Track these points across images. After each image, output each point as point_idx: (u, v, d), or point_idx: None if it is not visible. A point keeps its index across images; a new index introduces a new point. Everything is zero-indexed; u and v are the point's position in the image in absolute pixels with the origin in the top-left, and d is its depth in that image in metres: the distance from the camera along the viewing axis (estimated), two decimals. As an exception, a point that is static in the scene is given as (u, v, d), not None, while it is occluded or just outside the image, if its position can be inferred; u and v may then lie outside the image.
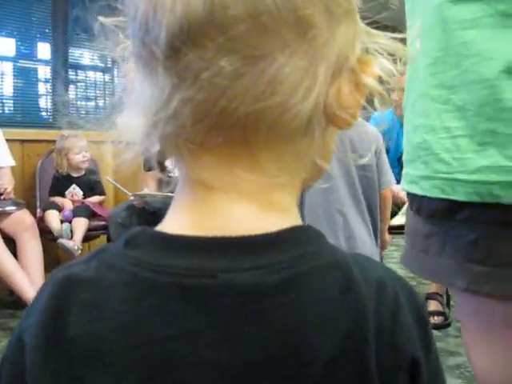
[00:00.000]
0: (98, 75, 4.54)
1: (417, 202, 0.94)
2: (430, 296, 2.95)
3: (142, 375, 0.38)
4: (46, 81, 4.04)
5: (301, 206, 1.66)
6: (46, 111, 4.03)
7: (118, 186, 3.08)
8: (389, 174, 1.79)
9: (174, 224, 0.43)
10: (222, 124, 0.39)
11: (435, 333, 2.69)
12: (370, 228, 1.71)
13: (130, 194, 3.04)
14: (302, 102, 0.39)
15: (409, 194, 0.97)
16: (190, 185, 0.43)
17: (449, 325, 2.80)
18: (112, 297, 0.40)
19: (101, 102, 4.44)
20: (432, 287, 2.98)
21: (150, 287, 0.39)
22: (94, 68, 4.39)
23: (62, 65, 3.94)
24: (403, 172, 0.99)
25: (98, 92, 4.42)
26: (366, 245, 1.68)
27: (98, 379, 0.39)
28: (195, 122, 0.39)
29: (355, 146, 1.67)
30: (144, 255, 0.41)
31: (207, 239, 0.40)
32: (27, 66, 3.94)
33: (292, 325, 0.39)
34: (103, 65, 4.41)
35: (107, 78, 4.45)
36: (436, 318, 2.82)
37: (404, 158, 0.99)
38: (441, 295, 2.97)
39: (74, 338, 0.39)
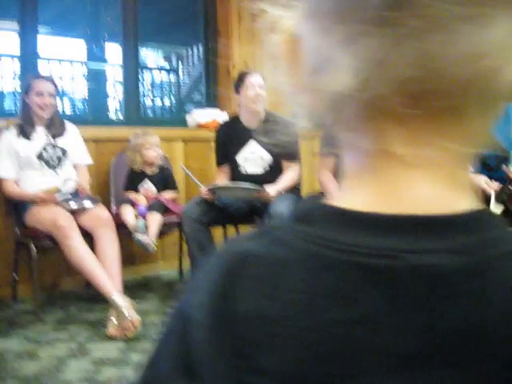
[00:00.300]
0: (164, 75, 4.63)
1: None
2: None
3: (312, 358, 0.36)
4: (117, 81, 4.14)
5: None
6: (117, 110, 4.13)
7: (190, 174, 3.13)
8: None
9: (352, 199, 0.40)
10: (425, 90, 0.35)
11: None
12: None
13: (201, 185, 3.08)
14: None
15: None
16: (373, 158, 0.39)
17: None
18: (286, 274, 0.37)
19: (167, 102, 4.51)
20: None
21: (328, 265, 0.37)
22: (162, 68, 4.48)
23: (133, 66, 4.04)
24: None
25: (165, 91, 4.50)
26: None
27: (266, 359, 0.36)
28: (398, 88, 0.36)
29: None
30: (321, 232, 0.38)
31: (392, 217, 0.37)
32: (98, 68, 4.05)
33: (478, 314, 0.35)
34: (169, 66, 4.50)
35: (173, 78, 4.53)
36: None
37: None
38: None
39: (245, 316, 0.37)
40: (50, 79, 3.14)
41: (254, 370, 0.36)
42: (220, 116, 4.28)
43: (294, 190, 3.27)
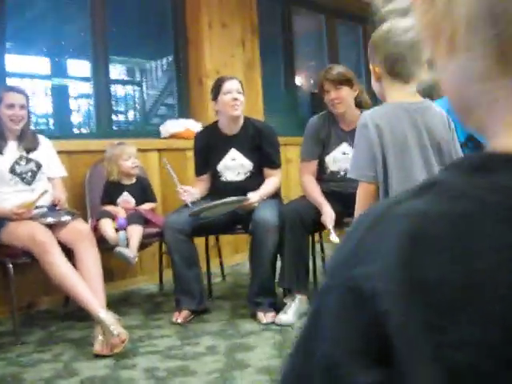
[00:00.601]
0: (133, 87, 4.56)
1: None
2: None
3: None
4: (88, 96, 4.04)
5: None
6: (86, 124, 4.03)
7: (172, 172, 3.05)
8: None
9: None
10: None
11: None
12: None
13: (180, 186, 2.99)
14: None
15: None
16: None
17: None
18: (474, 232, 0.33)
19: (138, 114, 4.43)
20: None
21: None
22: (131, 82, 4.41)
23: (103, 79, 3.95)
24: None
25: (135, 103, 4.41)
26: None
27: (464, 330, 0.32)
28: None
29: (430, 128, 1.61)
30: (508, 181, 0.33)
31: None
32: (63, 83, 3.96)
33: None
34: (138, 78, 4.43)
35: (142, 90, 4.46)
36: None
37: None
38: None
39: (434, 282, 0.33)
40: (21, 91, 3.02)
41: (452, 343, 0.32)
42: (193, 126, 4.22)
43: (276, 196, 3.23)
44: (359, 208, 1.67)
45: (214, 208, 2.90)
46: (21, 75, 3.81)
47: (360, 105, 3.09)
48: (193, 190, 3.08)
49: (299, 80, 5.72)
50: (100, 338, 2.51)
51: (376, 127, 1.58)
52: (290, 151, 4.73)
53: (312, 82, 5.85)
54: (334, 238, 2.82)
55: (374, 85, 1.72)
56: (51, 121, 3.92)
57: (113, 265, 3.48)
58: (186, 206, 2.99)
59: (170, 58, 4.50)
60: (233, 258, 4.40)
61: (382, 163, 1.57)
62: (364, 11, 5.98)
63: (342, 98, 3.01)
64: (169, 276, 3.68)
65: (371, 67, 1.70)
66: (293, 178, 4.24)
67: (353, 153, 1.66)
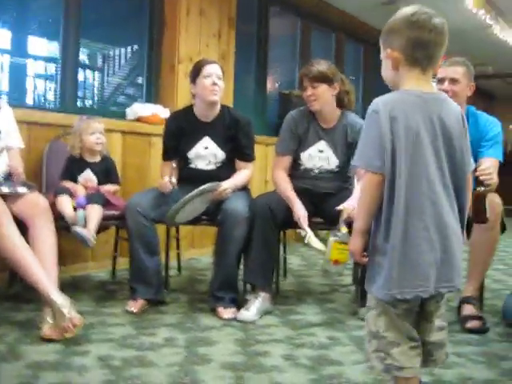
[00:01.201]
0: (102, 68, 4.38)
1: None
2: (465, 300, 2.82)
3: None
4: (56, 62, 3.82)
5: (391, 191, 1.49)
6: (54, 98, 3.81)
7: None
8: (470, 156, 1.64)
9: None
10: None
11: (473, 337, 2.55)
12: (457, 215, 1.56)
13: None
14: None
15: None
16: None
17: (487, 329, 2.66)
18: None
19: (99, 93, 4.23)
20: (467, 291, 2.85)
21: None
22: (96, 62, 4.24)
23: (72, 60, 3.77)
24: None
25: (103, 83, 4.23)
26: (456, 234, 1.53)
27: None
28: None
29: (444, 121, 1.52)
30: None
31: None
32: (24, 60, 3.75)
33: None
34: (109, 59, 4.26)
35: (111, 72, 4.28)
36: (473, 321, 2.68)
37: None
38: (475, 299, 2.85)
39: None
40: None
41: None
42: (161, 111, 4.07)
43: (245, 189, 3.11)
44: (363, 200, 1.55)
45: (187, 205, 2.73)
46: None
47: (342, 104, 3.02)
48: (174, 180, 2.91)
49: (270, 80, 5.63)
50: (50, 320, 2.32)
51: (388, 115, 1.48)
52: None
53: (278, 84, 5.79)
54: (316, 243, 2.72)
55: (387, 73, 1.62)
56: (13, 90, 3.66)
57: (63, 248, 3.26)
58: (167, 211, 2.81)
59: (144, 41, 4.32)
60: (189, 251, 4.26)
61: (390, 154, 1.47)
62: (340, 19, 6.00)
63: (318, 96, 2.93)
64: (122, 264, 3.52)
65: (385, 54, 1.60)
66: (255, 175, 4.12)
67: (360, 140, 1.55)
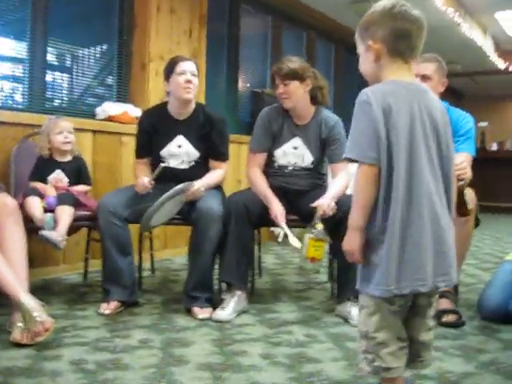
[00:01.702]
0: (71, 67, 4.29)
1: None
2: (441, 294, 2.82)
3: None
4: (23, 62, 3.72)
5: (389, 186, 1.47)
6: (22, 95, 3.71)
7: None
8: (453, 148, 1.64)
9: None
10: None
11: (449, 331, 2.56)
12: (447, 207, 1.55)
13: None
14: None
15: None
16: None
17: (463, 323, 2.68)
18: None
19: (74, 94, 4.15)
20: (442, 285, 2.86)
21: None
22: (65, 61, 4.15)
23: (40, 59, 3.68)
24: None
25: (72, 83, 4.14)
26: (449, 226, 1.52)
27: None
28: None
29: (430, 111, 1.52)
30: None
31: None
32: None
33: None
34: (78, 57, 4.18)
35: (79, 71, 4.20)
36: (449, 316, 2.69)
37: None
38: (451, 293, 2.86)
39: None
40: None
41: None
42: (131, 110, 4.01)
43: (218, 187, 3.07)
44: (359, 194, 1.50)
45: (161, 208, 2.68)
46: None
47: (316, 100, 3.00)
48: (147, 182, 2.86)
49: (241, 78, 5.60)
50: (20, 324, 2.25)
51: (381, 106, 1.45)
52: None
53: (249, 83, 5.76)
54: (294, 242, 2.69)
55: (367, 66, 1.60)
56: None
57: (33, 250, 3.17)
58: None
59: (114, 40, 4.25)
60: (162, 252, 4.20)
61: (386, 146, 1.44)
62: (311, 18, 6.00)
63: (290, 93, 2.91)
64: (93, 266, 3.45)
65: (364, 47, 1.59)
66: (227, 175, 4.09)
67: (351, 132, 1.52)
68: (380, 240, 1.47)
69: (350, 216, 1.53)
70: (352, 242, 1.53)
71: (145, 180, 2.81)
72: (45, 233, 2.70)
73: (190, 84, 2.88)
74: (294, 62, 2.92)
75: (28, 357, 2.11)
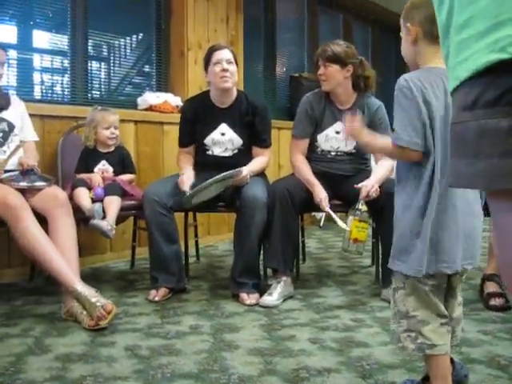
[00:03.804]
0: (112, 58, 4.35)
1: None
2: (488, 277, 2.80)
3: None
4: (64, 55, 3.79)
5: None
6: (65, 88, 3.79)
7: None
8: None
9: None
10: None
11: (497, 314, 2.54)
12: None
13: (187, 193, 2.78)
14: None
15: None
16: None
17: (511, 307, 2.65)
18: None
19: (109, 83, 4.21)
20: (489, 268, 2.83)
21: None
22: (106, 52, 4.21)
23: (81, 51, 3.75)
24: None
25: (114, 74, 4.20)
26: (477, 211, 1.57)
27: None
28: None
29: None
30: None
31: None
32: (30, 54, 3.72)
33: None
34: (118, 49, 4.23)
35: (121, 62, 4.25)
36: (496, 299, 2.66)
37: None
38: (498, 276, 2.82)
39: None
40: (2, 47, 2.79)
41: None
42: (172, 99, 4.05)
43: (262, 175, 3.09)
44: (393, 155, 1.61)
45: (206, 190, 2.72)
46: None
47: (358, 88, 2.98)
48: (191, 174, 2.91)
49: (279, 63, 5.59)
50: (84, 312, 2.33)
51: (421, 93, 1.48)
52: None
53: (287, 67, 5.75)
54: (341, 223, 2.69)
55: (406, 49, 1.63)
56: (21, 85, 3.64)
57: (81, 239, 3.27)
58: (183, 193, 2.80)
59: (152, 29, 4.28)
60: (205, 239, 4.25)
61: (430, 134, 1.48)
62: (347, 0, 5.91)
63: (328, 76, 2.90)
64: (140, 254, 3.53)
65: (405, 30, 1.60)
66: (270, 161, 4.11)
67: (396, 118, 1.53)
68: (417, 223, 1.51)
69: (375, 144, 1.74)
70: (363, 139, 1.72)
71: (186, 180, 2.84)
72: (95, 222, 2.76)
73: (225, 73, 2.89)
74: (338, 47, 2.91)
75: (84, 343, 2.18)
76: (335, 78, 2.91)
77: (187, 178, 2.86)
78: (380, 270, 3.00)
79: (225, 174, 2.71)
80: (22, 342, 2.20)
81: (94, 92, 3.99)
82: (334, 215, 2.73)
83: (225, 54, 2.94)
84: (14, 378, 1.85)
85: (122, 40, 4.24)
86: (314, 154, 3.03)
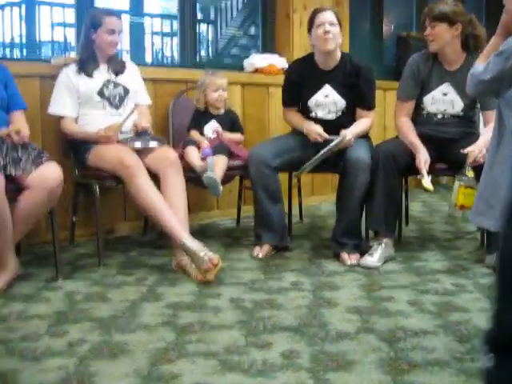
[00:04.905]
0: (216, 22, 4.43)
1: None
2: None
3: None
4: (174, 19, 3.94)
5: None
6: (175, 51, 3.95)
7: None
8: None
9: None
10: None
11: None
12: None
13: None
14: None
15: None
16: None
17: None
18: None
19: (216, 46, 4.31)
20: None
21: None
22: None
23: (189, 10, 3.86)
24: None
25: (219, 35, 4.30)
26: None
27: None
28: None
29: None
30: None
31: None
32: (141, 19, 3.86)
33: None
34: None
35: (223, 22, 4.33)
36: None
37: None
38: None
39: None
40: (119, 16, 2.96)
41: None
42: (277, 61, 4.09)
43: (367, 136, 3.08)
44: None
45: (315, 162, 2.80)
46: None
47: (468, 47, 2.87)
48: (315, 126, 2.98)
49: (386, 22, 5.46)
50: (192, 265, 2.50)
51: None
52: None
53: (394, 26, 5.59)
54: (428, 184, 2.69)
55: None
56: (134, 50, 3.83)
57: (190, 197, 3.44)
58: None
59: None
60: (309, 199, 4.32)
61: None
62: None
63: (435, 35, 2.83)
64: (245, 212, 3.66)
65: None
66: (376, 123, 4.08)
67: None
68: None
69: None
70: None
71: (318, 129, 2.92)
72: (209, 173, 2.86)
73: (328, 35, 2.87)
74: (446, 5, 2.82)
75: (192, 293, 2.34)
76: (443, 37, 2.83)
77: (315, 126, 2.95)
78: (485, 235, 2.93)
79: (331, 145, 2.76)
80: (137, 289, 2.41)
81: (202, 55, 4.12)
82: (425, 174, 2.70)
83: (327, 16, 2.93)
84: (128, 320, 2.04)
85: (229, 2, 4.31)
86: (419, 117, 2.98)
